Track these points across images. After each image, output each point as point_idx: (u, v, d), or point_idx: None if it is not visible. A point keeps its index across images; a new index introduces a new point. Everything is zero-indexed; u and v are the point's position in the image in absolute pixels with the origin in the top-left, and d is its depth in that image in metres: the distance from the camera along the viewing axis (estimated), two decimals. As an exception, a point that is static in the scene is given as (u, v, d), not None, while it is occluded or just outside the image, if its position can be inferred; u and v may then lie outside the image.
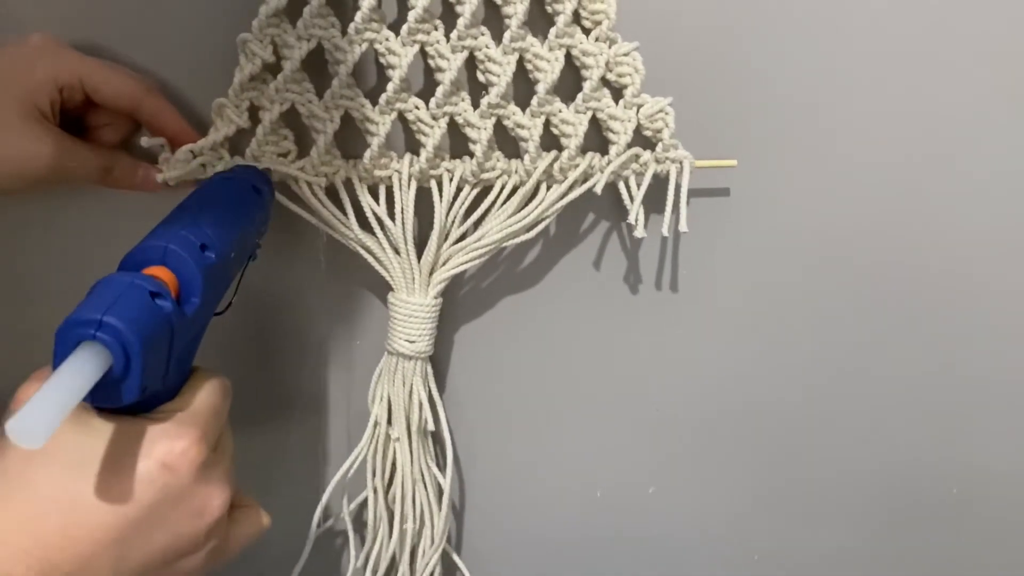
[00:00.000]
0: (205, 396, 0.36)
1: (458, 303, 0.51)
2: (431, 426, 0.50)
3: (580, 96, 0.46)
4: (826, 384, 0.54)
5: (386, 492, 0.51)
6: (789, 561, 0.58)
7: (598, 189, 0.47)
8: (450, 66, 0.45)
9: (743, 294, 0.52)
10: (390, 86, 0.45)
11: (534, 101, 0.46)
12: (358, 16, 0.43)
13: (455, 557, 0.56)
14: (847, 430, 0.55)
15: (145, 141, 0.44)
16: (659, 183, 0.49)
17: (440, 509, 0.51)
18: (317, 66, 0.45)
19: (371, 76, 0.47)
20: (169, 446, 0.33)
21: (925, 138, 0.49)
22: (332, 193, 0.47)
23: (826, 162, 0.49)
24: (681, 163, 0.48)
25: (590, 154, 0.47)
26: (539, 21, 0.46)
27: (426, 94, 0.46)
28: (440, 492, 0.51)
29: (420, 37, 0.45)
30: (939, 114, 0.49)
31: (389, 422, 0.50)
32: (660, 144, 0.47)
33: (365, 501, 0.52)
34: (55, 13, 0.45)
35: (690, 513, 0.56)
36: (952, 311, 0.53)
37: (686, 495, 0.56)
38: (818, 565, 0.58)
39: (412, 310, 0.48)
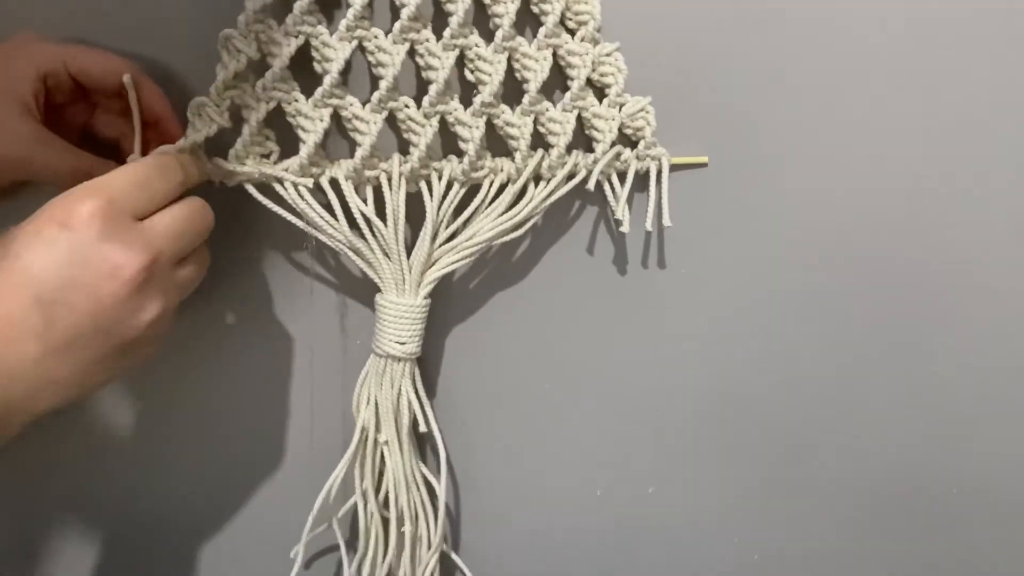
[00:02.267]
0: (129, 166, 0.39)
1: (446, 303, 0.51)
2: (423, 427, 0.49)
3: (568, 95, 0.47)
4: (826, 383, 0.55)
5: (376, 495, 0.51)
6: (789, 560, 0.58)
7: (590, 186, 0.48)
8: (442, 65, 0.45)
9: (732, 290, 0.53)
10: (383, 84, 0.44)
11: (525, 100, 0.46)
12: (350, 13, 0.43)
13: (455, 557, 0.55)
14: (847, 429, 0.56)
15: (126, 78, 0.42)
16: (640, 179, 0.50)
17: (435, 511, 0.51)
18: (299, 65, 0.44)
19: (358, 77, 0.46)
20: (66, 207, 0.36)
21: (898, 134, 0.51)
22: (317, 193, 0.46)
23: (803, 158, 0.51)
24: (659, 160, 0.50)
25: (576, 152, 0.48)
26: (524, 22, 0.47)
27: (413, 94, 0.46)
28: (433, 494, 0.51)
29: (411, 36, 0.44)
30: (914, 110, 0.51)
31: (376, 426, 0.49)
32: (642, 142, 0.49)
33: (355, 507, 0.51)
34: (39, 8, 0.43)
35: (690, 512, 0.57)
36: (952, 309, 0.54)
37: (686, 495, 0.56)
38: (818, 564, 0.58)
39: (402, 311, 0.47)
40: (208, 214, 0.41)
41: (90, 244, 0.35)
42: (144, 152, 0.43)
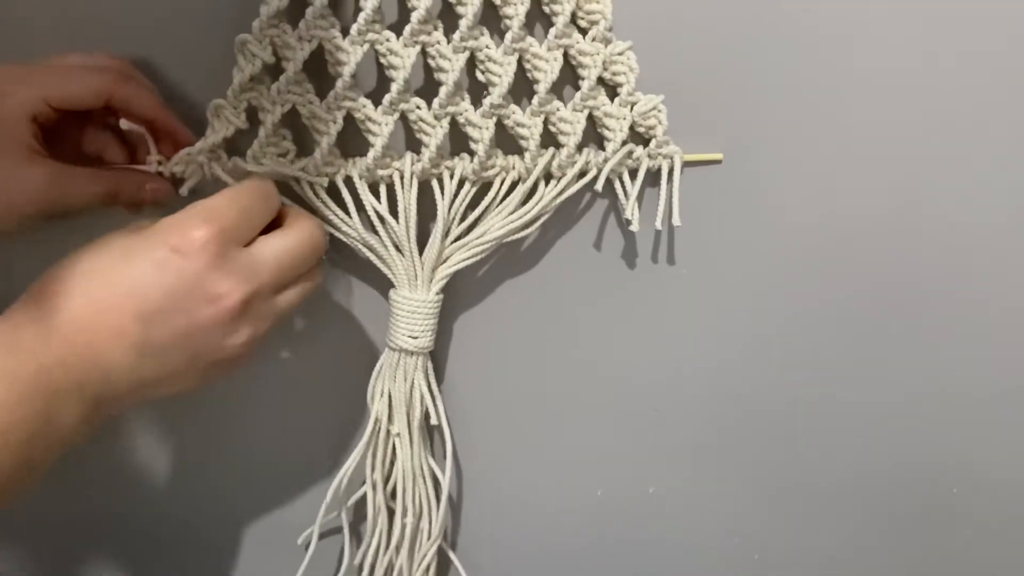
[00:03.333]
0: (234, 192, 0.40)
1: (456, 295, 0.52)
2: (434, 420, 0.51)
3: (578, 95, 0.47)
4: (826, 383, 0.55)
5: (384, 486, 0.52)
6: (789, 561, 0.58)
7: (598, 186, 0.48)
8: (452, 67, 0.45)
9: (739, 290, 0.53)
10: (393, 87, 0.45)
11: (535, 100, 0.47)
12: (361, 17, 0.43)
13: (450, 554, 0.57)
14: (847, 429, 0.55)
15: (124, 123, 0.43)
16: (652, 177, 0.50)
17: (439, 503, 0.52)
18: (314, 67, 0.45)
19: (370, 76, 0.47)
20: (181, 232, 0.37)
21: (911, 132, 0.50)
22: (332, 192, 0.47)
23: (816, 156, 0.51)
24: (672, 158, 0.50)
25: (586, 150, 0.49)
26: (535, 21, 0.47)
27: (425, 93, 0.47)
28: (438, 486, 0.52)
29: (422, 38, 0.45)
30: (927, 110, 0.50)
31: (389, 418, 0.51)
32: (653, 140, 0.49)
33: (363, 497, 0.52)
34: (49, 13, 0.44)
35: (690, 513, 0.57)
36: (952, 308, 0.53)
37: (686, 494, 0.57)
38: (818, 564, 0.58)
39: (415, 306, 0.48)
40: (319, 239, 0.42)
41: (198, 272, 0.37)
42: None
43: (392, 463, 0.52)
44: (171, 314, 0.37)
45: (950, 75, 0.49)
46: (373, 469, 0.51)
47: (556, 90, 0.47)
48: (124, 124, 0.43)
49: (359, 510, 0.54)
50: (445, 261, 0.49)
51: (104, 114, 0.44)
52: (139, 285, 0.37)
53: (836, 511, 0.57)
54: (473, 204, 0.48)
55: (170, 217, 0.38)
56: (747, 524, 0.57)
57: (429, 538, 0.52)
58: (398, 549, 0.52)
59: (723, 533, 0.58)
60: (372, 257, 0.48)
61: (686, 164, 0.50)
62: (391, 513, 0.53)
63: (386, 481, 0.52)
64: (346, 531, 0.53)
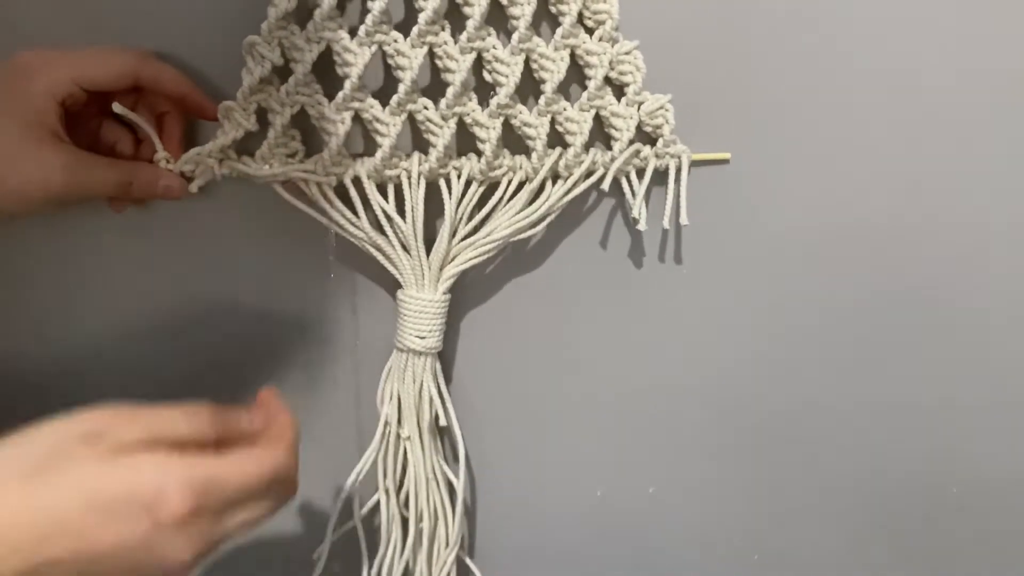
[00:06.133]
0: (238, 461, 0.35)
1: (463, 295, 0.52)
2: (443, 421, 0.50)
3: (585, 95, 0.47)
4: (826, 383, 0.55)
5: (397, 493, 0.52)
6: (789, 561, 0.58)
7: (605, 186, 0.48)
8: (459, 67, 0.45)
9: (746, 289, 0.53)
10: (401, 88, 0.45)
11: (541, 100, 0.47)
12: (368, 19, 0.44)
13: (467, 561, 0.56)
14: (848, 429, 0.55)
15: (117, 107, 0.42)
16: (660, 176, 0.50)
17: (454, 508, 0.52)
18: (322, 67, 0.45)
19: (378, 76, 0.47)
20: (158, 491, 0.32)
21: (919, 132, 0.50)
22: (339, 191, 0.47)
23: (823, 155, 0.51)
24: (679, 157, 0.50)
25: (593, 150, 0.49)
26: (541, 20, 0.47)
27: (433, 93, 0.47)
28: (452, 490, 0.52)
29: (429, 39, 0.45)
30: (935, 108, 0.50)
31: (399, 422, 0.51)
32: (660, 140, 0.49)
33: (377, 504, 0.52)
34: (62, 17, 0.45)
35: (690, 513, 0.57)
36: (953, 308, 0.53)
37: (686, 495, 0.56)
38: (818, 565, 0.58)
39: (422, 306, 0.49)
40: (290, 488, 0.37)
41: (164, 537, 0.32)
42: (163, 142, 0.45)
43: (404, 468, 0.51)
44: (120, 563, 0.32)
45: (959, 75, 0.49)
46: (385, 475, 0.51)
47: (563, 90, 0.48)
48: (117, 108, 0.42)
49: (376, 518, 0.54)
50: (452, 260, 0.49)
51: (128, 94, 0.44)
52: (96, 545, 0.31)
53: (836, 511, 0.57)
54: (480, 204, 0.48)
55: (145, 462, 0.33)
56: (747, 524, 0.57)
57: (447, 545, 0.52)
58: (415, 556, 0.52)
59: (723, 533, 0.57)
60: (379, 257, 0.48)
61: (693, 163, 0.50)
62: (405, 521, 0.52)
63: (399, 488, 0.52)
64: (362, 541, 0.53)
